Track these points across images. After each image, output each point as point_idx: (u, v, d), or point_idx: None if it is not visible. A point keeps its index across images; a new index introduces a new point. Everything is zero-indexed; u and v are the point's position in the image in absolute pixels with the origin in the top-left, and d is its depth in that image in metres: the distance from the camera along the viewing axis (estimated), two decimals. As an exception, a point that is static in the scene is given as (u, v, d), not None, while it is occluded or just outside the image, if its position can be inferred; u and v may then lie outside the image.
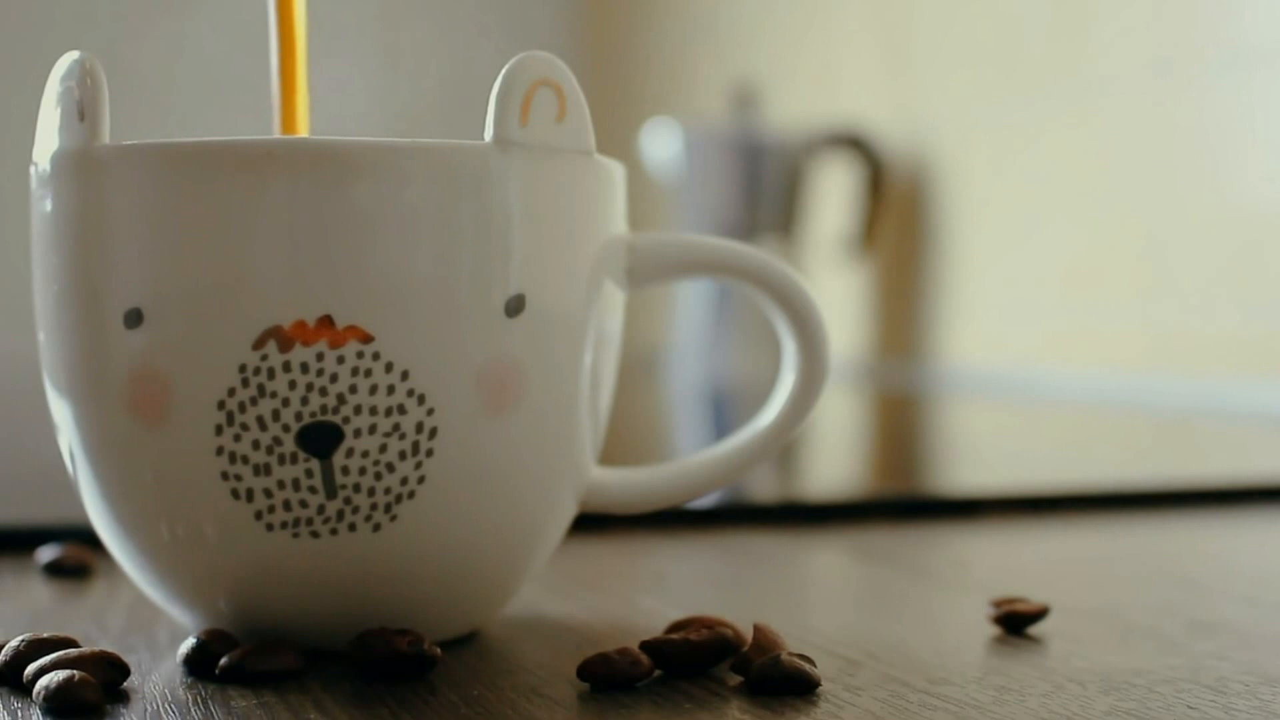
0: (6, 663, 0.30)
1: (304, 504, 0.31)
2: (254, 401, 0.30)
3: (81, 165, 0.31)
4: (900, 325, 1.36)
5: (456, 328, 0.31)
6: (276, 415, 0.30)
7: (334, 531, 0.31)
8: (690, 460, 0.36)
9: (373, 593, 0.32)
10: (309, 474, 0.31)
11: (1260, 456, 0.77)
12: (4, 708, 0.28)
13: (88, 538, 0.36)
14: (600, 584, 0.41)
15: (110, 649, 0.30)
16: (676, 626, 0.32)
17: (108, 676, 0.29)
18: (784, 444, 0.36)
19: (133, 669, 0.30)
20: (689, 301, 1.36)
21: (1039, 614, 0.35)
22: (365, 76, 2.00)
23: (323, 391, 0.30)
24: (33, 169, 0.32)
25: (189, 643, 0.31)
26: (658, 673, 0.30)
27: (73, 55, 0.32)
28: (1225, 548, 0.50)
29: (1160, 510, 0.54)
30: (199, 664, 0.31)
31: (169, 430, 0.31)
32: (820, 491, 0.61)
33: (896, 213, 1.36)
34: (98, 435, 0.32)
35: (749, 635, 0.31)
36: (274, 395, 0.30)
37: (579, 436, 0.34)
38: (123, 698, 0.29)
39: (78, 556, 0.41)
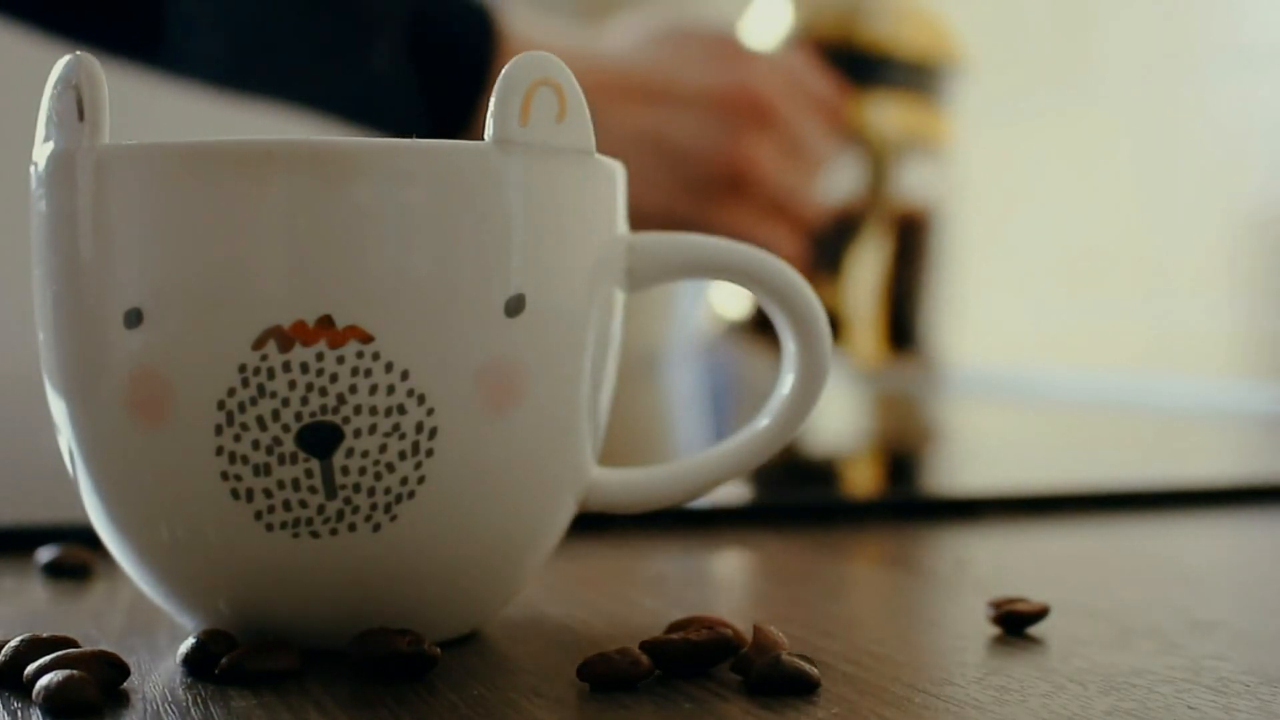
0: (6, 663, 0.30)
1: (304, 504, 0.31)
2: (254, 401, 0.30)
3: (81, 165, 0.31)
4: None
5: (456, 328, 0.31)
6: (276, 415, 0.30)
7: (334, 531, 0.31)
8: (690, 460, 0.36)
9: (373, 593, 0.32)
10: (309, 474, 0.31)
11: (1260, 456, 0.77)
12: (4, 708, 0.28)
13: (88, 538, 0.36)
14: (600, 584, 0.41)
15: (110, 649, 0.30)
16: (676, 626, 0.32)
17: (107, 676, 0.29)
18: (784, 444, 0.36)
19: (133, 669, 0.30)
20: (689, 301, 1.36)
21: (1039, 614, 0.35)
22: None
23: (323, 391, 0.30)
24: (33, 169, 0.32)
25: (189, 643, 0.31)
26: (658, 673, 0.30)
27: (73, 55, 0.32)
28: (1225, 548, 0.50)
29: (1160, 510, 0.54)
30: (199, 664, 0.31)
31: (169, 430, 0.31)
32: (821, 492, 0.61)
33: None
34: (98, 435, 0.32)
35: (749, 635, 0.31)
36: (274, 395, 0.30)
37: (579, 436, 0.34)
38: (122, 698, 0.29)
39: (78, 556, 0.41)
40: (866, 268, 0.79)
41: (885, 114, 0.79)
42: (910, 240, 0.82)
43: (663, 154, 0.70)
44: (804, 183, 0.73)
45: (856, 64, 0.79)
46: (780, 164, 0.72)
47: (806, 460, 0.67)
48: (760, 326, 0.80)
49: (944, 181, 0.84)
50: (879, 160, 0.79)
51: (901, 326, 0.81)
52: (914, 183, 0.82)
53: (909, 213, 0.81)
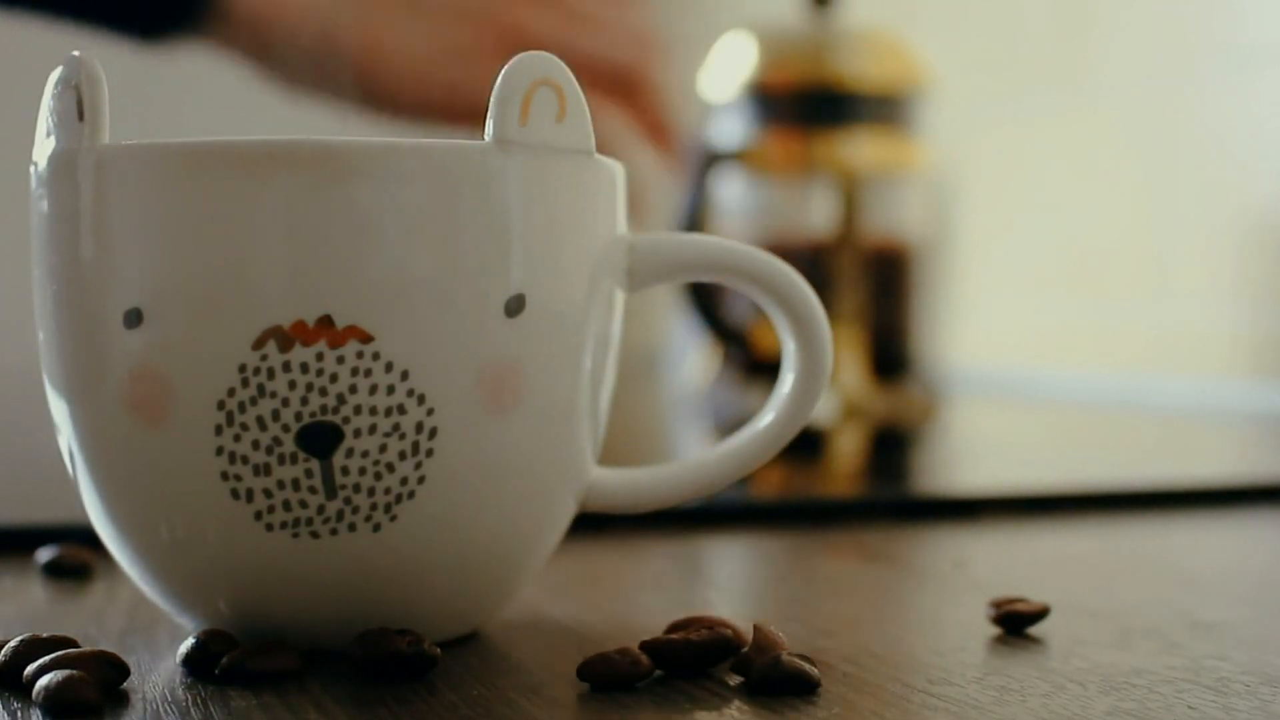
0: (6, 663, 0.30)
1: (304, 504, 0.31)
2: (254, 401, 0.30)
3: (81, 165, 0.31)
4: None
5: (456, 328, 0.31)
6: (276, 415, 0.30)
7: (334, 532, 0.31)
8: (690, 460, 0.36)
9: (373, 593, 0.32)
10: (309, 474, 0.31)
11: (1260, 456, 0.77)
12: (4, 708, 0.28)
13: (88, 538, 0.36)
14: (600, 584, 0.41)
15: (110, 649, 0.30)
16: (676, 626, 0.32)
17: (107, 676, 0.29)
18: (785, 444, 0.36)
19: (132, 669, 0.30)
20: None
21: (1039, 614, 0.35)
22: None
23: (323, 391, 0.30)
24: (33, 169, 0.32)
25: (189, 643, 0.31)
26: (658, 673, 0.30)
27: (73, 55, 0.32)
28: (1225, 548, 0.50)
29: (1160, 510, 0.54)
30: (199, 664, 0.31)
31: (169, 430, 0.31)
32: (821, 491, 0.61)
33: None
34: (98, 435, 0.32)
35: (749, 635, 0.31)
36: (274, 395, 0.30)
37: (579, 436, 0.34)
38: (122, 698, 0.29)
39: (78, 556, 0.41)
40: (846, 302, 0.79)
41: (857, 149, 0.80)
42: (891, 272, 0.82)
43: (421, 15, 0.69)
44: (592, 34, 0.70)
45: (825, 102, 0.80)
46: (554, 21, 0.69)
47: (807, 460, 0.67)
48: (752, 369, 0.80)
49: (923, 210, 0.85)
50: (852, 195, 0.80)
51: (888, 358, 0.81)
52: (891, 214, 0.82)
53: (888, 245, 0.82)
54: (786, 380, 0.35)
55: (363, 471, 0.31)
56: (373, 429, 0.30)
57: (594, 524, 0.43)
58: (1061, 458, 0.74)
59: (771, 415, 0.35)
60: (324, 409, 0.30)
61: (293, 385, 0.30)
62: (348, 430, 0.30)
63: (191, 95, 1.88)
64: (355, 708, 0.28)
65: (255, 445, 0.30)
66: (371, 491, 0.31)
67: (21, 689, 0.29)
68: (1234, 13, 1.02)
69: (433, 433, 0.31)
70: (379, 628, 0.31)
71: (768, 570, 0.45)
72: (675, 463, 0.36)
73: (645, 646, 0.30)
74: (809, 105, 0.80)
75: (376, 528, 0.31)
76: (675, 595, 0.40)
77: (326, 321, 0.30)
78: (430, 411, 0.31)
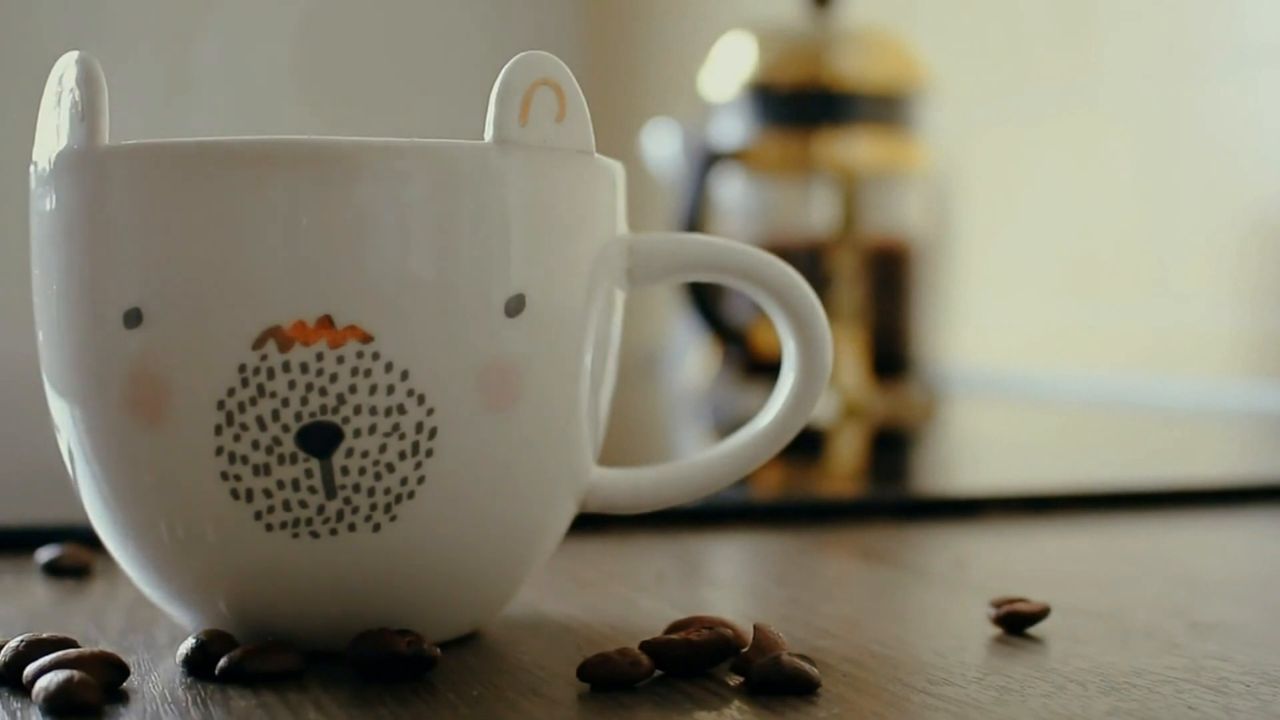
0: (6, 663, 0.30)
1: (304, 504, 0.31)
2: (254, 401, 0.30)
3: (81, 165, 0.31)
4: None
5: (456, 328, 0.31)
6: (276, 415, 0.30)
7: (334, 532, 0.31)
8: (690, 460, 0.36)
9: (373, 593, 0.32)
10: (309, 474, 0.31)
11: (1260, 456, 0.77)
12: (4, 708, 0.28)
13: (88, 538, 0.36)
14: (600, 584, 0.41)
15: (110, 649, 0.30)
16: (676, 626, 0.32)
17: (107, 677, 0.29)
18: (784, 444, 0.36)
19: (132, 669, 0.30)
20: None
21: (1040, 614, 0.35)
22: (364, 76, 2.00)
23: (322, 391, 0.30)
24: (33, 169, 0.32)
25: (189, 643, 0.31)
26: (658, 673, 0.30)
27: (73, 55, 0.32)
28: (1225, 548, 0.50)
29: (1160, 510, 0.54)
30: (199, 664, 0.31)
31: (168, 430, 0.31)
32: (821, 491, 0.61)
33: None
34: (97, 435, 0.32)
35: (749, 635, 0.31)
36: (274, 395, 0.30)
37: (579, 436, 0.34)
38: (122, 698, 0.29)
39: (78, 556, 0.41)
40: (846, 302, 0.79)
41: (856, 149, 0.80)
42: (891, 271, 0.82)
43: None
44: None
45: (824, 102, 0.80)
46: None
47: (806, 459, 0.67)
48: (752, 369, 0.80)
49: (923, 209, 0.84)
50: (852, 195, 0.80)
51: (888, 358, 0.81)
52: (891, 213, 0.82)
53: (887, 244, 0.82)
54: (786, 380, 0.35)
55: (363, 471, 0.31)
56: (373, 429, 0.30)
57: (594, 524, 0.43)
58: (1061, 458, 0.74)
59: (771, 415, 0.35)
60: (324, 409, 0.30)
61: (293, 385, 0.30)
62: (348, 430, 0.30)
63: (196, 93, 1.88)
64: (355, 708, 0.28)
65: (255, 445, 0.30)
66: (371, 491, 0.31)
67: (21, 689, 0.29)
68: (1234, 13, 1.02)
69: (433, 433, 0.31)
70: (379, 628, 0.31)
71: (768, 570, 0.45)
72: (675, 463, 0.36)
73: (645, 646, 0.30)
74: (809, 105, 0.80)
75: (376, 528, 0.31)
76: (675, 595, 0.40)
77: (326, 321, 0.30)
78: (430, 411, 0.31)
